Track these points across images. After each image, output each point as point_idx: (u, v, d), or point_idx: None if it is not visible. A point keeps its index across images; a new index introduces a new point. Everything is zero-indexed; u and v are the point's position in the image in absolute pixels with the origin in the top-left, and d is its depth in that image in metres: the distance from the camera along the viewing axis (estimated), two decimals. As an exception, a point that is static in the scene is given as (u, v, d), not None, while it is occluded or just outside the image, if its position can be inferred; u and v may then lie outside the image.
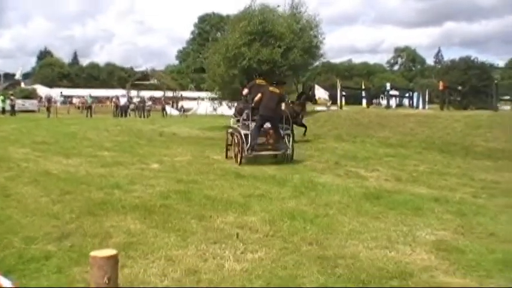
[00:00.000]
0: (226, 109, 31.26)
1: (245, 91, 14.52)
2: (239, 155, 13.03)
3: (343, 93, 21.84)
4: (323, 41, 26.00)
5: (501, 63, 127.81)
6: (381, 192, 8.72)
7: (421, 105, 35.30)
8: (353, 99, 39.03)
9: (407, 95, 40.11)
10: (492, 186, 9.82)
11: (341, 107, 27.48)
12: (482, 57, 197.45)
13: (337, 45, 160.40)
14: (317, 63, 27.78)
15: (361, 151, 15.54)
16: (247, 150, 12.95)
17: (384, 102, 37.32)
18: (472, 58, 57.51)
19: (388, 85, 31.73)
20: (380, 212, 7.26)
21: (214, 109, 32.71)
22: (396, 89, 41.42)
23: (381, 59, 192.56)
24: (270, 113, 13.19)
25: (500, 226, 6.62)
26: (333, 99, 30.94)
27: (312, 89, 23.44)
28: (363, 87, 44.23)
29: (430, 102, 41.63)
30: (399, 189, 9.25)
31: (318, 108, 28.73)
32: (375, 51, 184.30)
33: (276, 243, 5.68)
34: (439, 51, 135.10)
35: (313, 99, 20.35)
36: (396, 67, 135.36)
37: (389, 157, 14.23)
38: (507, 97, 42.64)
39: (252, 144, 13.01)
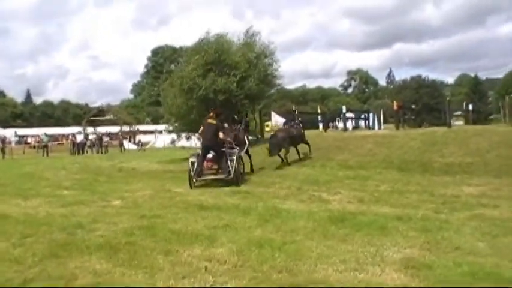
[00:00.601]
0: (185, 141, 31.12)
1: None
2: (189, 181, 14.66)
3: (299, 118, 22.01)
4: (278, 69, 26.26)
5: (451, 80, 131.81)
6: (345, 215, 8.77)
7: (376, 126, 35.91)
8: (309, 124, 39.43)
9: (362, 116, 40.73)
10: (453, 201, 10.02)
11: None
12: (432, 75, 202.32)
13: (291, 71, 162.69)
14: (273, 90, 27.98)
15: (322, 175, 15.65)
16: (194, 175, 14.62)
17: (340, 125, 37.72)
18: (422, 77, 59.10)
19: (343, 108, 32.15)
20: (346, 234, 7.29)
21: (173, 142, 32.53)
22: (352, 112, 42.01)
23: (335, 82, 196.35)
24: (208, 142, 14.97)
25: (464, 239, 6.75)
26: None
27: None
28: (319, 111, 44.71)
29: (385, 122, 42.40)
30: (363, 210, 9.33)
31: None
32: (328, 75, 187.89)
33: (245, 273, 5.64)
34: (390, 71, 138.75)
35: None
36: (350, 90, 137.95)
37: (350, 179, 14.38)
38: (459, 112, 43.77)
39: (197, 170, 14.68)
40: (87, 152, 47.41)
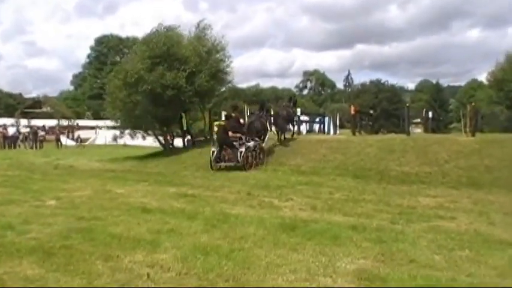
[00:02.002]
0: (129, 139, 30.69)
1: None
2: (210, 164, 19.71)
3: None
4: (230, 65, 26.33)
5: (411, 85, 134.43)
6: (297, 222, 8.85)
7: (332, 131, 36.20)
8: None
9: (317, 120, 41.01)
10: (409, 212, 10.23)
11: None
12: (392, 79, 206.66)
13: (245, 68, 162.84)
14: (224, 88, 27.99)
15: (274, 180, 15.74)
16: (213, 161, 19.59)
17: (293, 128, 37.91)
18: (382, 81, 60.13)
19: (298, 110, 32.32)
20: (297, 243, 7.36)
21: (115, 138, 32.11)
22: (306, 115, 42.29)
23: (291, 83, 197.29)
24: (220, 140, 19.91)
25: (419, 252, 6.90)
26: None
27: None
28: (272, 112, 44.76)
29: (342, 127, 42.88)
30: (315, 218, 9.42)
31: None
32: (284, 75, 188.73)
33: (190, 281, 5.63)
34: (348, 74, 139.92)
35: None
36: (305, 91, 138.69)
37: (303, 185, 14.50)
38: (418, 120, 44.64)
39: (216, 157, 19.71)
40: (19, 146, 46.35)
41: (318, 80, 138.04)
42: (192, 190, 13.52)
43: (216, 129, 20.69)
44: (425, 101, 79.66)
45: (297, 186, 14.33)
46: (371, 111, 39.73)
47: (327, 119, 38.73)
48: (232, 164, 19.33)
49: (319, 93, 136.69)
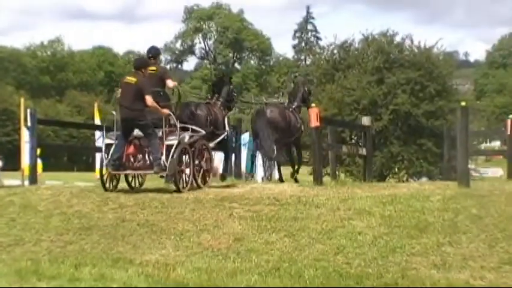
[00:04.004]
0: None
1: None
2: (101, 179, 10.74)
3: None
4: None
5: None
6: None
7: (260, 171, 27.51)
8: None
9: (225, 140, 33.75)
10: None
11: None
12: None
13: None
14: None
15: None
16: (109, 167, 10.41)
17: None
18: (392, 32, 52.54)
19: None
20: None
21: None
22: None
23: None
24: (126, 112, 10.42)
25: None
26: None
27: None
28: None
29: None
30: None
31: None
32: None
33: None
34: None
35: None
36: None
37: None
38: (497, 143, 38.92)
39: (114, 158, 10.34)
40: None
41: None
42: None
43: (119, 91, 11.02)
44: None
45: None
46: (367, 122, 16.09)
47: (245, 137, 19.18)
48: (151, 172, 10.57)
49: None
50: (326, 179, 13.79)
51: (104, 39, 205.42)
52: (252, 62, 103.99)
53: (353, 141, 21.50)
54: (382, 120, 21.18)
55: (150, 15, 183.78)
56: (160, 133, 10.39)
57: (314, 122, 11.52)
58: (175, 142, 10.24)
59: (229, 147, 13.37)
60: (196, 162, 10.92)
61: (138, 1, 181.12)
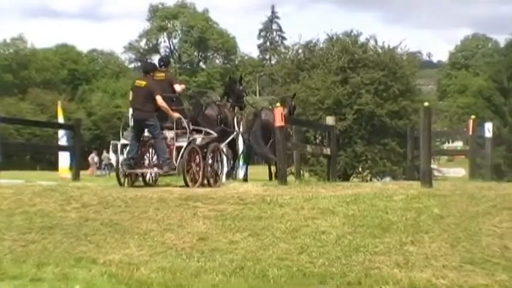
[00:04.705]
0: None
1: None
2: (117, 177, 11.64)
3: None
4: None
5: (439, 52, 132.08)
6: None
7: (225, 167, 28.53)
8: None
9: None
10: None
11: None
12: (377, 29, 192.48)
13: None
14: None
15: None
16: (125, 167, 11.35)
17: None
18: (355, 32, 54.17)
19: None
20: None
21: None
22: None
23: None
24: (137, 113, 11.34)
25: None
26: None
27: None
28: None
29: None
30: None
31: None
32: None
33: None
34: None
35: None
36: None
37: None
38: (459, 143, 39.08)
39: (130, 157, 11.28)
40: None
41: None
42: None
43: (131, 95, 11.66)
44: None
45: None
46: (331, 122, 16.62)
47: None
48: (160, 171, 11.43)
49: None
50: (290, 178, 14.07)
51: (67, 37, 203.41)
52: (217, 61, 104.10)
53: (317, 141, 21.65)
54: (346, 120, 21.71)
55: (114, 13, 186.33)
56: (172, 135, 11.29)
57: (279, 122, 11.78)
58: (184, 144, 11.11)
59: (237, 147, 14.19)
60: (210, 162, 11.71)
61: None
